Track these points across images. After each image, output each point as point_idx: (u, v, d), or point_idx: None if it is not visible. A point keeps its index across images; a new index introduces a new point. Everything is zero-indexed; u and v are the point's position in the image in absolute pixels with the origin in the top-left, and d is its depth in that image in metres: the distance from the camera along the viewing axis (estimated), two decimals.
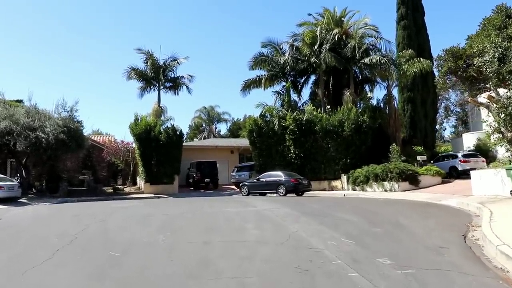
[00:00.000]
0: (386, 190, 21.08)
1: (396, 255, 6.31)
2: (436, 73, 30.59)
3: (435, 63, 17.28)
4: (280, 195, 20.71)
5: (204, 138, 53.71)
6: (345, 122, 23.70)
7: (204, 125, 59.58)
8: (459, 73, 16.45)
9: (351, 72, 26.40)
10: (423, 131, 30.87)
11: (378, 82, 28.80)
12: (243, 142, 36.50)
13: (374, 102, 26.94)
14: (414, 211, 12.14)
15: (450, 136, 48.84)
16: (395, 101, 26.86)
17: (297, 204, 14.04)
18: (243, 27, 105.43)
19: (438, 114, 37.39)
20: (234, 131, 59.27)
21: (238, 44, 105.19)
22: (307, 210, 11.96)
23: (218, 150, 34.09)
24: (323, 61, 24.45)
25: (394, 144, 23.34)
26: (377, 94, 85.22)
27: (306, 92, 34.64)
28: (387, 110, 26.22)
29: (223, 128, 63.79)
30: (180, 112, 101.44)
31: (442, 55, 17.07)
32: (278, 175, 21.86)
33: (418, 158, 22.76)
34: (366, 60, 24.64)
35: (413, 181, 20.72)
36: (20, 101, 28.84)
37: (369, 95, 29.87)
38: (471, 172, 16.04)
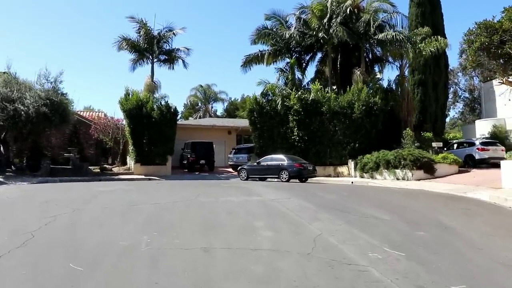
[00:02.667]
0: (398, 179, 19.33)
1: (473, 280, 4.49)
2: (453, 53, 28.51)
3: (464, 38, 15.23)
4: (283, 181, 18.92)
5: (200, 117, 51.52)
6: (355, 103, 21.69)
7: (200, 104, 57.24)
8: (492, 49, 14.42)
9: (362, 49, 24.20)
10: (433, 116, 29.03)
11: (390, 62, 26.72)
12: (242, 122, 34.53)
13: (383, 83, 24.94)
14: (447, 207, 10.35)
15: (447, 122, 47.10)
16: (407, 83, 24.80)
17: (307, 193, 12.22)
18: (244, 1, 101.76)
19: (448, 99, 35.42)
20: (231, 111, 57.10)
21: (237, 20, 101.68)
22: (323, 202, 10.12)
23: (215, 130, 32.08)
24: (335, 34, 22.16)
25: (408, 129, 21.47)
26: (386, 75, 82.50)
27: (310, 70, 32.50)
28: (399, 92, 24.25)
29: (219, 108, 61.58)
30: (175, 90, 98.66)
31: (474, 30, 15.02)
32: (280, 158, 20.01)
33: (434, 144, 20.97)
34: (380, 36, 22.44)
35: (429, 169, 18.96)
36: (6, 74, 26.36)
37: (378, 76, 27.84)
38: (502, 162, 14.24)
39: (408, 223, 7.61)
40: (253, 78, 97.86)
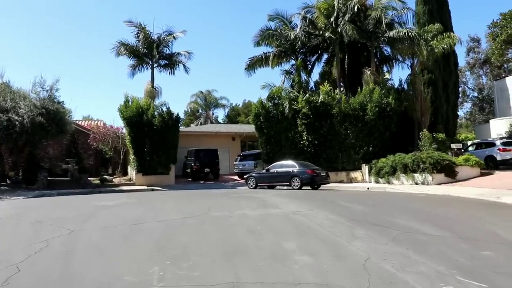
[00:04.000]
0: (417, 183, 18.19)
1: None
2: (459, 52, 26.98)
3: (488, 31, 14.19)
4: (295, 189, 17.78)
5: (201, 124, 50.47)
6: (367, 104, 20.61)
7: (200, 111, 56.19)
8: None
9: (372, 48, 23.15)
10: (444, 117, 27.93)
11: (399, 61, 25.66)
12: (246, 128, 33.47)
13: (393, 83, 23.84)
14: (493, 215, 9.19)
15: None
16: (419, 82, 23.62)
17: (329, 203, 11.08)
18: (243, 5, 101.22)
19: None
20: (233, 117, 56.08)
21: (236, 25, 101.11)
22: (352, 214, 8.96)
23: (218, 137, 30.90)
24: (344, 33, 21.10)
25: (425, 130, 20.38)
26: (395, 75, 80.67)
27: (316, 72, 31.21)
28: (410, 92, 23.16)
29: (220, 114, 60.60)
30: (175, 97, 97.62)
31: (498, 21, 13.97)
32: (291, 165, 18.87)
33: (453, 146, 19.89)
34: (391, 33, 21.39)
35: (450, 173, 17.84)
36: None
37: (386, 76, 26.76)
38: None
39: (463, 240, 6.46)
40: (255, 82, 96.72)
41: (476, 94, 38.65)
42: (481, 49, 37.41)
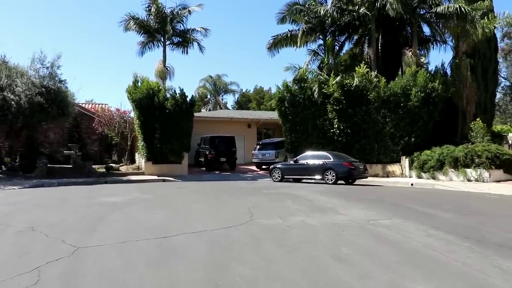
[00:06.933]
0: (469, 180, 15.87)
1: None
2: None
3: None
4: (328, 183, 15.52)
5: (209, 110, 48.10)
6: (411, 89, 18.14)
7: (209, 96, 53.64)
8: None
9: (415, 26, 20.50)
10: (482, 106, 25.47)
11: (439, 43, 23.11)
12: (262, 115, 31.21)
13: (438, 67, 21.15)
14: None
15: None
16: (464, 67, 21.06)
17: (401, 208, 8.79)
18: None
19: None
20: (243, 104, 53.57)
21: (248, 5, 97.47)
22: (452, 228, 6.60)
23: (232, 124, 28.46)
24: (389, 4, 18.39)
25: (478, 119, 18.00)
26: (432, 58, 74.92)
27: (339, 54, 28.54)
28: (455, 77, 20.65)
29: (230, 100, 58.07)
30: (182, 82, 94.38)
31: None
32: (324, 156, 16.57)
33: (510, 139, 17.47)
34: (439, 9, 18.76)
35: (510, 168, 15.50)
36: None
37: (422, 59, 24.19)
38: None
39: None
40: (269, 66, 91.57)
41: (508, 83, 36.05)
42: None
